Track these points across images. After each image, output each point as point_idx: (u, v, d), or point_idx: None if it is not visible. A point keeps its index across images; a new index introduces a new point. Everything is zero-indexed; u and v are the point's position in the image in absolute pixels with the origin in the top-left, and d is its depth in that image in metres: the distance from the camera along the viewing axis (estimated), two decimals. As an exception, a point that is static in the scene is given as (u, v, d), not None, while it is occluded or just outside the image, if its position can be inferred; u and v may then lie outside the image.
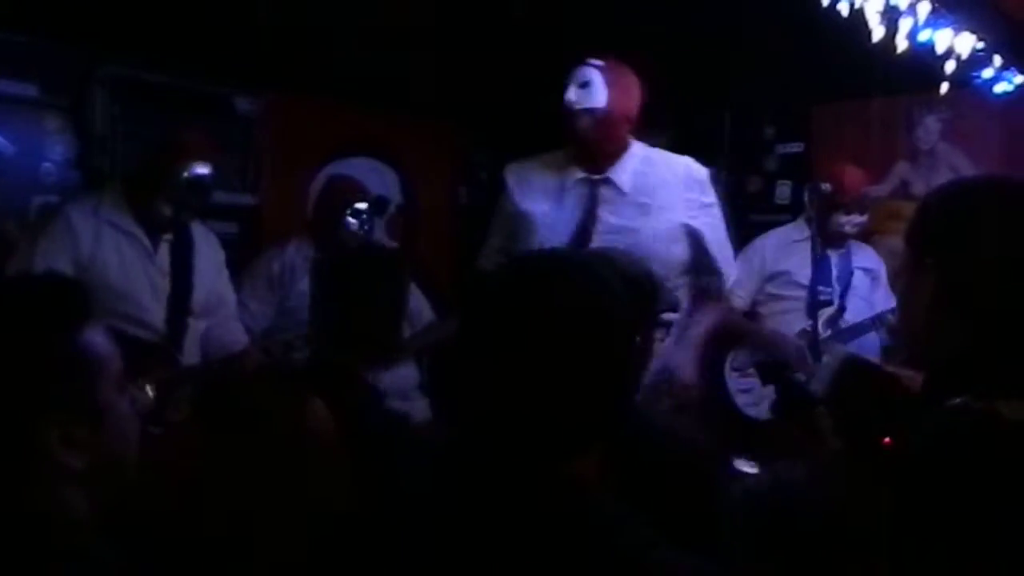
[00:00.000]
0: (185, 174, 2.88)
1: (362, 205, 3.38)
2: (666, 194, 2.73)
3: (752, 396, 3.71)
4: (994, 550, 1.03)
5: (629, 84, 2.74)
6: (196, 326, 3.05)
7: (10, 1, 3.31)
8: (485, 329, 1.07)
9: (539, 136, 4.99)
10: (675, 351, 2.67)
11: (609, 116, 2.68)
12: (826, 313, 3.58)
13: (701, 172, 2.85)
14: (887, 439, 1.33)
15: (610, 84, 2.67)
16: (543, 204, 2.75)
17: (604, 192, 2.73)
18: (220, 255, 3.23)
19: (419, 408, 3.47)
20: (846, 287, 3.65)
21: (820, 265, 3.56)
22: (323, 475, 1.49)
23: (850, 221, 3.62)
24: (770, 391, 3.64)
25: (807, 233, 3.66)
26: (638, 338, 1.12)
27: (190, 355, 3.00)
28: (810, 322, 3.56)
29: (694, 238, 2.78)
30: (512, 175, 2.91)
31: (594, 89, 2.65)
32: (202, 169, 2.92)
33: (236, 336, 3.13)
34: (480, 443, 1.07)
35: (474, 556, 1.00)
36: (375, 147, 4.66)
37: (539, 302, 1.05)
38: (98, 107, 3.75)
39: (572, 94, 2.68)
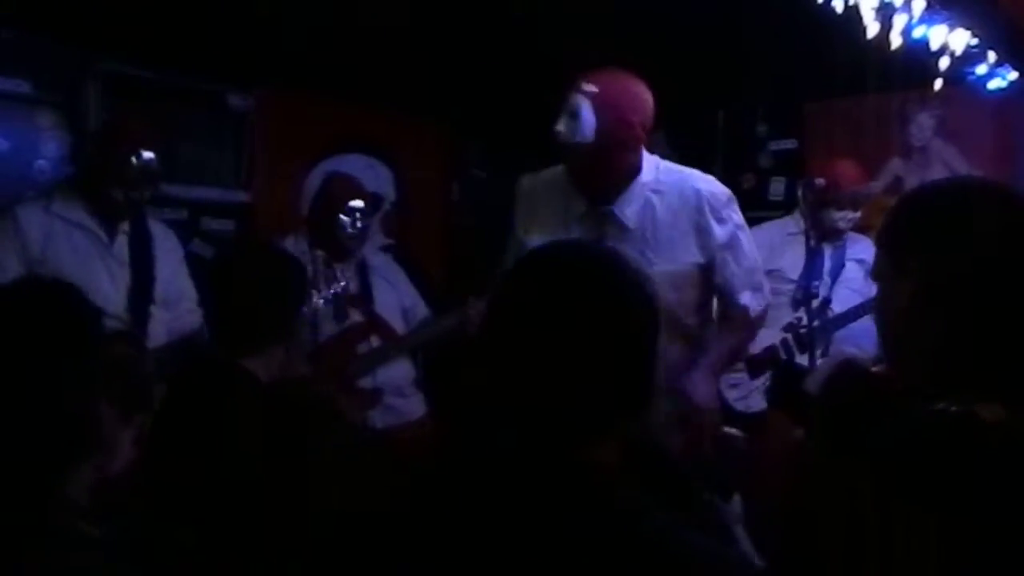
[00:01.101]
0: (133, 159, 2.92)
1: (358, 203, 3.37)
2: (675, 228, 2.47)
3: (741, 390, 3.70)
4: (976, 553, 1.03)
5: (628, 106, 2.44)
6: (159, 315, 3.05)
7: (4, -2, 3.30)
8: (508, 316, 1.09)
9: (532, 133, 5.02)
10: (692, 376, 2.47)
11: (601, 149, 2.40)
12: (811, 306, 3.52)
13: (718, 195, 2.54)
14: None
15: (602, 113, 2.39)
16: (548, 237, 2.42)
17: (609, 228, 2.48)
18: (179, 250, 3.26)
19: (415, 404, 3.47)
20: (835, 280, 3.66)
21: (813, 260, 3.56)
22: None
23: (843, 217, 3.62)
24: (759, 384, 3.66)
25: (802, 227, 3.66)
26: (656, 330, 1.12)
27: (155, 343, 2.98)
28: (796, 315, 3.58)
29: (711, 272, 2.53)
30: (522, 198, 2.72)
31: (583, 121, 2.38)
32: (148, 154, 2.95)
33: (197, 327, 3.13)
34: (495, 433, 1.08)
35: (497, 544, 1.01)
36: (369, 143, 4.65)
37: (562, 290, 1.07)
38: (91, 103, 3.74)
39: (561, 124, 2.42)
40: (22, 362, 1.20)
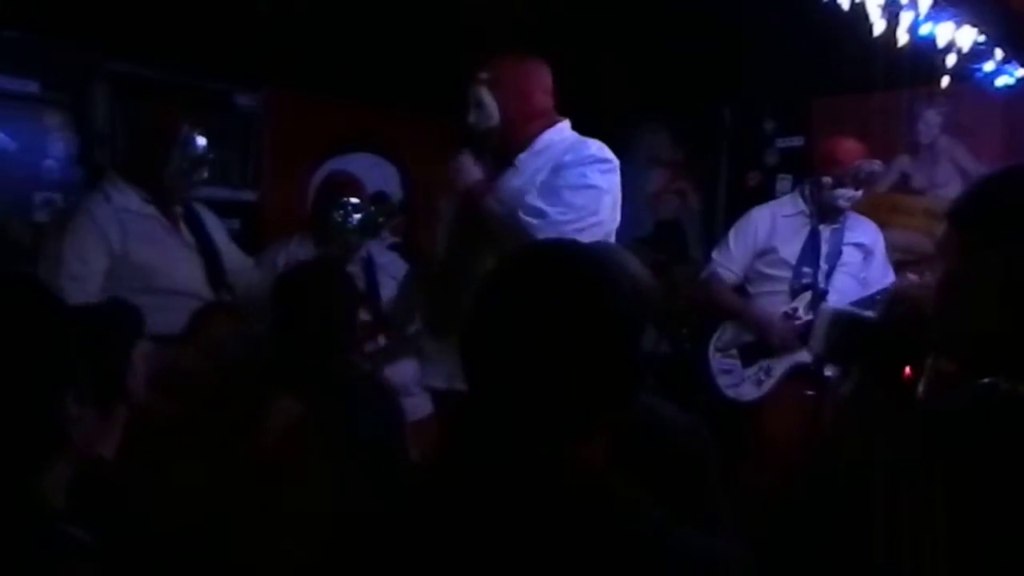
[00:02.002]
0: (186, 144, 2.92)
1: (355, 200, 3.36)
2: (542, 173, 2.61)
3: (732, 377, 3.67)
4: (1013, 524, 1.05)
5: (523, 83, 2.65)
6: (238, 286, 3.08)
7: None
8: (493, 313, 1.09)
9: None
10: None
11: (508, 125, 2.61)
12: (807, 297, 3.54)
13: (583, 151, 2.59)
14: (907, 370, 1.38)
15: (500, 95, 2.61)
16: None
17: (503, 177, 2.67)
18: (222, 224, 3.27)
19: (421, 403, 3.47)
20: (833, 266, 3.59)
21: (809, 244, 3.54)
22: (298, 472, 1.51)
23: (844, 195, 3.55)
24: (751, 373, 3.63)
25: (800, 208, 3.64)
26: (641, 329, 1.13)
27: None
28: (792, 305, 3.56)
29: None
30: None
31: (486, 107, 2.61)
32: (200, 138, 2.95)
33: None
34: (485, 431, 1.08)
35: (488, 542, 1.01)
36: (375, 142, 4.66)
37: (546, 288, 1.06)
38: (99, 103, 3.75)
39: (471, 116, 2.66)
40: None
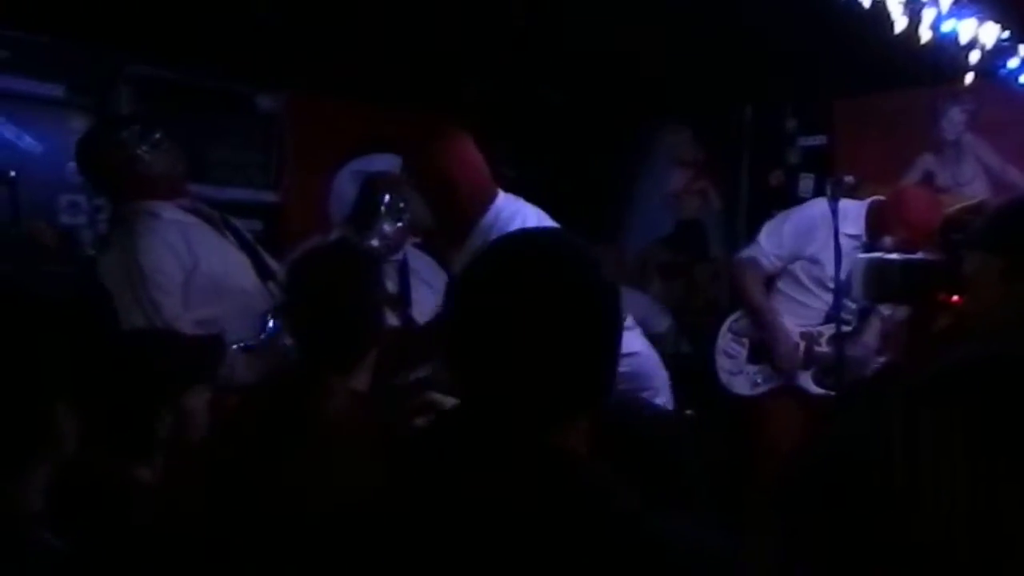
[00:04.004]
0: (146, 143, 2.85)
1: (400, 203, 3.37)
2: None
3: (733, 364, 3.62)
4: None
5: (443, 180, 2.61)
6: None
7: (36, 3, 3.35)
8: (472, 305, 1.10)
9: (559, 132, 5.03)
10: None
11: (443, 223, 2.68)
12: (832, 329, 3.28)
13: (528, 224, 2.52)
14: (954, 298, 1.39)
15: (427, 198, 2.67)
16: None
17: None
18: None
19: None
20: (870, 310, 3.41)
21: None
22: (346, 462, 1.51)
23: (898, 251, 3.24)
24: (751, 370, 3.58)
25: (860, 230, 3.43)
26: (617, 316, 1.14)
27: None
28: (820, 328, 3.46)
29: None
30: None
31: (419, 212, 2.73)
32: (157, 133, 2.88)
33: None
34: (469, 417, 1.09)
35: (470, 530, 1.01)
36: (397, 143, 4.67)
37: (526, 276, 1.07)
38: (123, 107, 3.79)
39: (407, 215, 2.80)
40: None
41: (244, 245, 2.98)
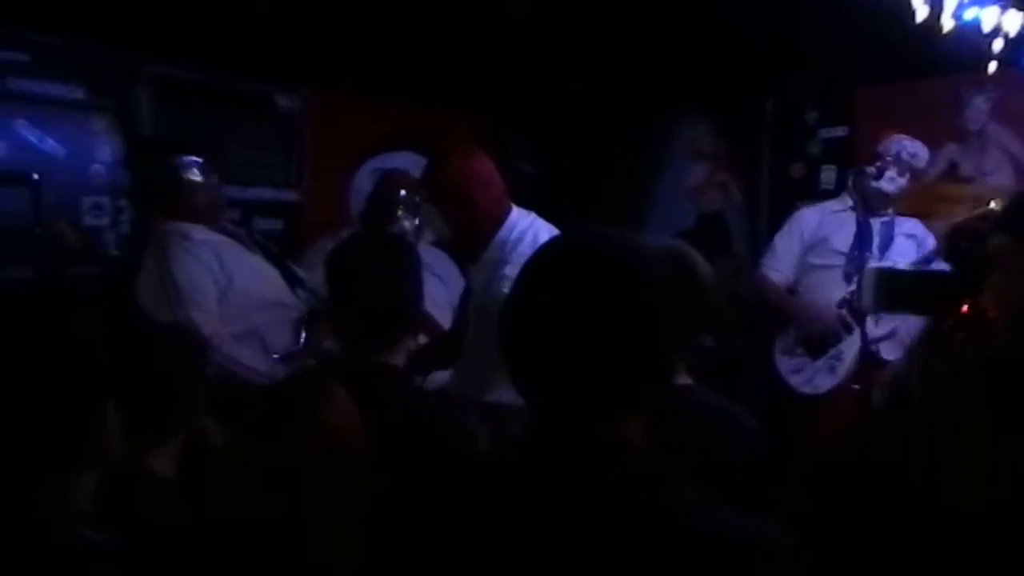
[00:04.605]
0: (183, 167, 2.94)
1: (415, 198, 3.37)
2: None
3: (805, 374, 3.64)
4: None
5: (462, 193, 2.60)
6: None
7: (54, 6, 3.37)
8: (529, 301, 1.11)
9: (579, 128, 5.01)
10: None
11: (460, 236, 2.70)
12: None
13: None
14: (964, 307, 1.40)
15: (443, 211, 2.66)
16: None
17: None
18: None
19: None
20: (884, 253, 3.56)
21: (859, 234, 3.44)
22: (347, 467, 1.51)
23: (890, 179, 3.52)
24: (822, 363, 3.59)
25: (847, 204, 3.60)
26: (673, 314, 1.14)
27: None
28: (850, 288, 3.48)
29: None
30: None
31: (436, 223, 2.72)
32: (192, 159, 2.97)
33: None
34: (527, 410, 1.10)
35: (527, 521, 1.02)
36: (416, 140, 4.68)
37: (581, 272, 1.08)
38: (143, 107, 3.82)
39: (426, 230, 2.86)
40: (37, 366, 1.20)
41: (271, 258, 3.04)
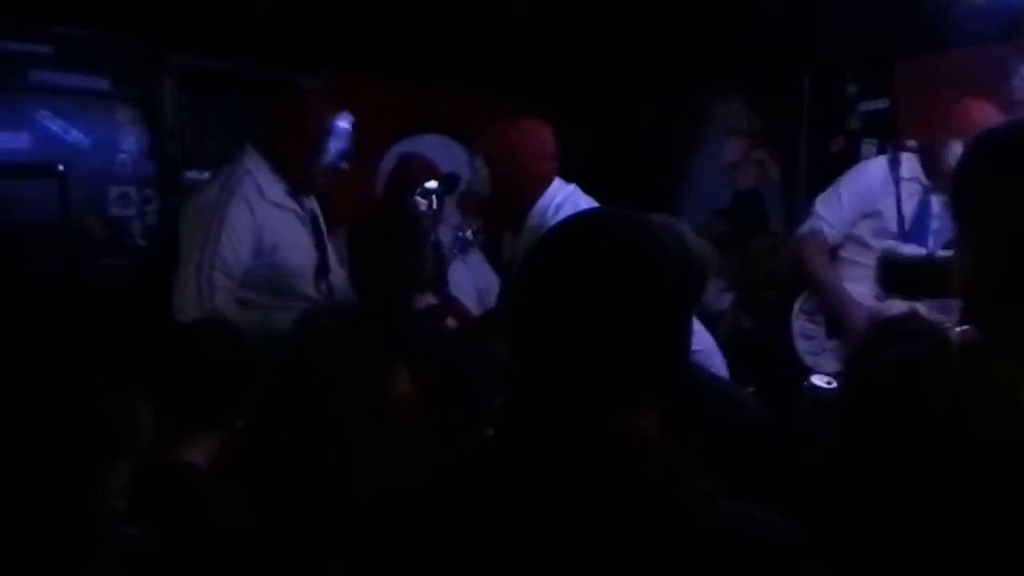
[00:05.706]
0: (337, 134, 2.87)
1: (432, 184, 3.35)
2: None
3: (813, 344, 3.47)
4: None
5: (513, 155, 2.69)
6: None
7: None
8: (539, 288, 1.07)
9: (606, 110, 4.92)
10: None
11: (502, 198, 2.70)
12: None
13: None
14: None
15: (492, 168, 2.69)
16: None
17: None
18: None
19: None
20: (938, 247, 3.24)
21: (917, 217, 3.30)
22: (404, 444, 1.49)
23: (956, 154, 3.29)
24: (833, 345, 3.43)
25: (917, 173, 3.36)
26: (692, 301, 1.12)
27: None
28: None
29: None
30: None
31: (481, 178, 2.72)
32: (343, 124, 2.91)
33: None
34: (540, 401, 1.07)
35: (542, 514, 1.00)
36: (442, 124, 4.63)
37: (593, 257, 1.04)
38: (168, 97, 3.81)
39: (477, 186, 2.79)
40: (64, 360, 1.17)
41: (319, 246, 2.93)
